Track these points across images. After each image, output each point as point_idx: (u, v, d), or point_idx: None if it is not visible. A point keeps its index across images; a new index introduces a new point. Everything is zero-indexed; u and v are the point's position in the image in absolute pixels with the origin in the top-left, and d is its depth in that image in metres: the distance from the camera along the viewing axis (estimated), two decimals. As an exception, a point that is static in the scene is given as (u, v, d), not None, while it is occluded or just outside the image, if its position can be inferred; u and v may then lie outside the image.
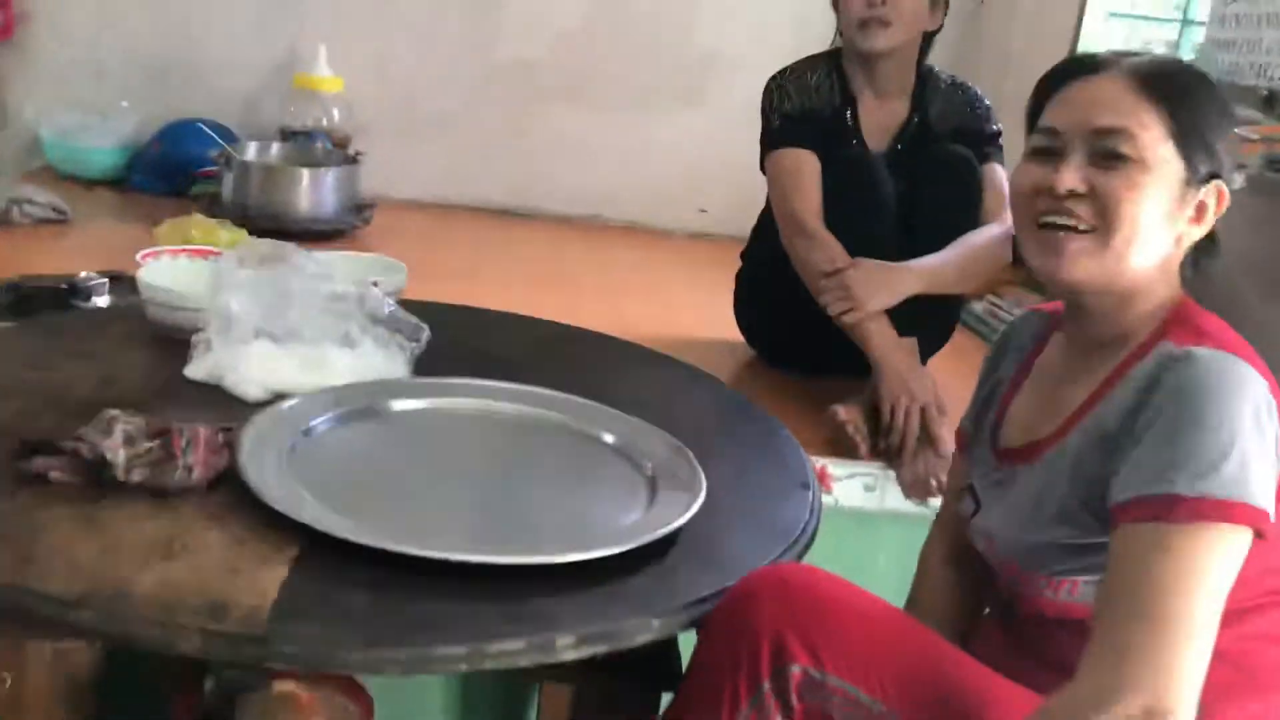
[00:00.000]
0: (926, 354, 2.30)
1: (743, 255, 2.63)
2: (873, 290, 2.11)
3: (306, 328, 1.65)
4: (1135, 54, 1.27)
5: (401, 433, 1.52)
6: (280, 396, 1.52)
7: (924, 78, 2.38)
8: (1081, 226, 1.21)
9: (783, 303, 2.39)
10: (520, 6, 3.74)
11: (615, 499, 1.38)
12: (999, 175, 2.30)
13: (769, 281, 2.46)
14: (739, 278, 2.62)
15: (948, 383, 2.17)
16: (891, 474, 2.10)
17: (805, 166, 2.28)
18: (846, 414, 2.10)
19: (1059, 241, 1.23)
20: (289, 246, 1.75)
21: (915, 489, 2.04)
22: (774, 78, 2.41)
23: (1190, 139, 1.21)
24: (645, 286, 3.22)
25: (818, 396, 2.35)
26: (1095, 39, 3.32)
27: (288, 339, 1.63)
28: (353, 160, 3.36)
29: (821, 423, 2.14)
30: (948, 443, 2.06)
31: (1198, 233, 1.24)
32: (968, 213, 2.23)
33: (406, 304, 1.82)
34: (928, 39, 2.36)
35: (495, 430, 1.57)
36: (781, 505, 1.45)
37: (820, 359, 2.46)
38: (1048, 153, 1.25)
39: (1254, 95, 2.46)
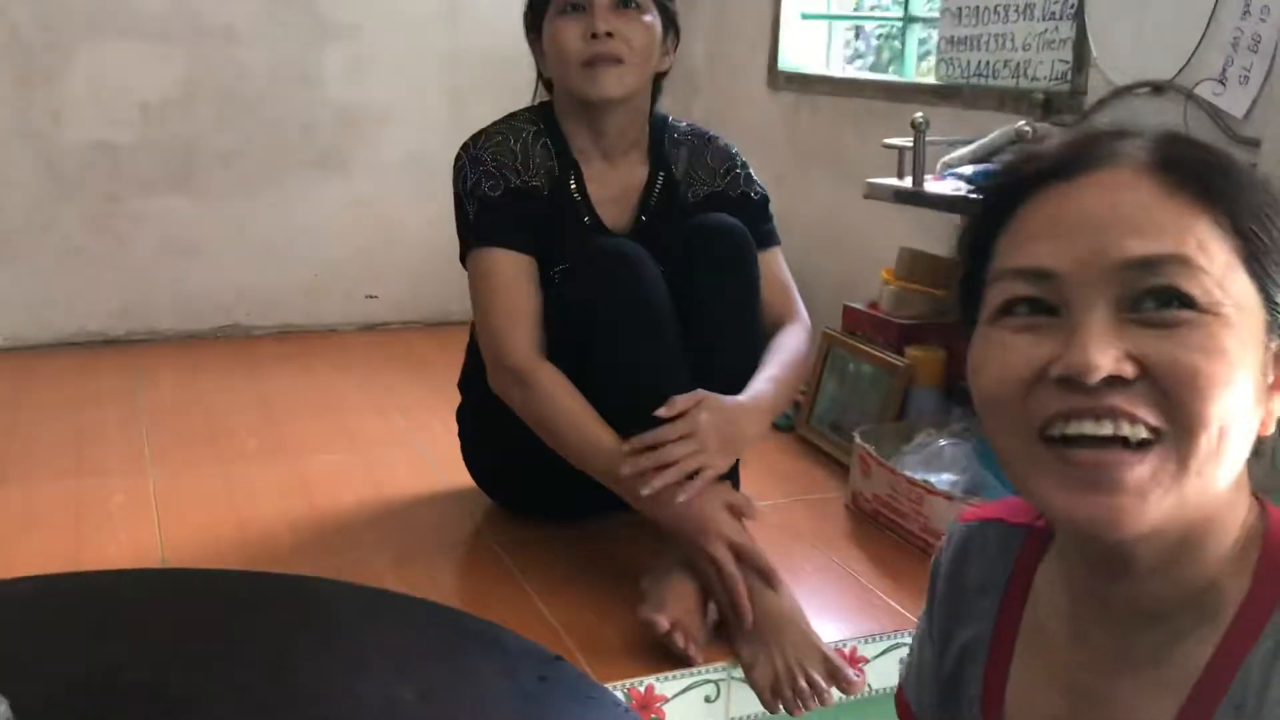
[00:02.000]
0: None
1: (461, 385, 1.97)
2: (720, 449, 1.55)
3: None
4: (1123, 131, 0.73)
5: None
6: None
7: (658, 127, 1.84)
8: (1137, 436, 0.66)
9: (529, 438, 1.79)
10: (86, 74, 2.87)
11: None
12: (779, 261, 1.80)
13: (504, 412, 1.83)
14: (462, 415, 1.97)
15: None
16: (737, 672, 1.54)
17: (515, 277, 1.70)
18: (668, 619, 1.51)
19: (1109, 470, 0.66)
20: None
21: (779, 695, 1.49)
22: (465, 147, 1.78)
23: (1266, 261, 0.69)
24: (320, 419, 2.49)
25: (602, 562, 1.77)
26: (795, 47, 2.92)
27: None
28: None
29: (635, 621, 1.56)
30: (779, 579, 1.54)
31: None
32: (754, 309, 1.70)
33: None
34: (657, 82, 1.82)
35: None
36: None
37: (590, 499, 1.88)
38: (1037, 311, 0.70)
39: (1026, 100, 2.10)
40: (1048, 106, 2.04)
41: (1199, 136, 1.67)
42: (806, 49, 2.94)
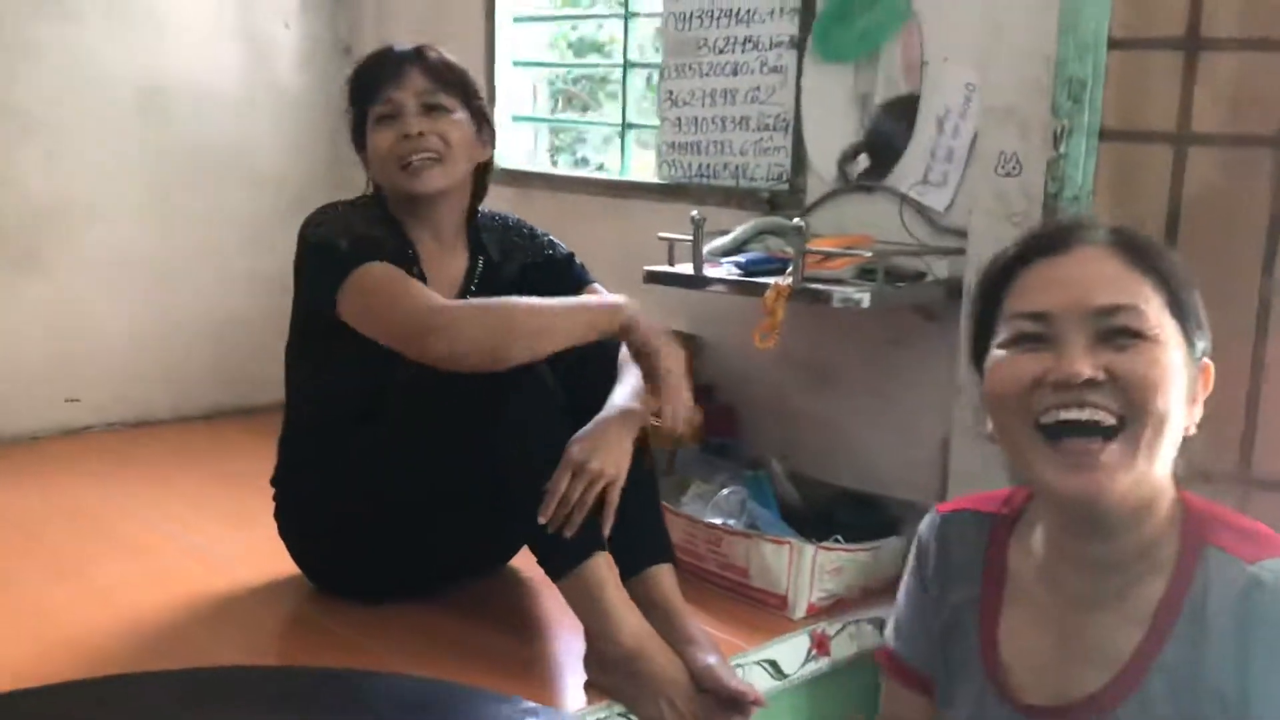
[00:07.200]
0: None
1: (280, 480, 2.00)
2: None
3: None
4: (1090, 223, 1.10)
5: None
6: None
7: (476, 218, 2.03)
8: (1107, 421, 1.00)
9: (362, 519, 1.87)
10: None
11: None
12: (603, 291, 2.01)
13: (333, 497, 1.90)
14: (284, 511, 1.99)
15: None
16: None
17: (407, 278, 1.79)
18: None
19: (1088, 453, 1.00)
20: None
21: None
22: (308, 224, 1.87)
23: (1185, 312, 1.06)
24: (64, 528, 2.37)
25: (443, 635, 1.86)
26: (508, 146, 3.16)
27: None
28: None
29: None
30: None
31: (1198, 416, 1.08)
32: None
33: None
34: (481, 174, 2.00)
35: None
36: None
37: (430, 574, 1.98)
38: (1035, 340, 1.03)
39: (752, 198, 2.46)
40: (773, 203, 2.42)
41: (912, 227, 2.12)
42: (518, 148, 3.19)
